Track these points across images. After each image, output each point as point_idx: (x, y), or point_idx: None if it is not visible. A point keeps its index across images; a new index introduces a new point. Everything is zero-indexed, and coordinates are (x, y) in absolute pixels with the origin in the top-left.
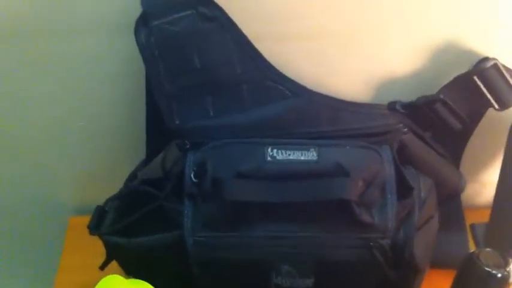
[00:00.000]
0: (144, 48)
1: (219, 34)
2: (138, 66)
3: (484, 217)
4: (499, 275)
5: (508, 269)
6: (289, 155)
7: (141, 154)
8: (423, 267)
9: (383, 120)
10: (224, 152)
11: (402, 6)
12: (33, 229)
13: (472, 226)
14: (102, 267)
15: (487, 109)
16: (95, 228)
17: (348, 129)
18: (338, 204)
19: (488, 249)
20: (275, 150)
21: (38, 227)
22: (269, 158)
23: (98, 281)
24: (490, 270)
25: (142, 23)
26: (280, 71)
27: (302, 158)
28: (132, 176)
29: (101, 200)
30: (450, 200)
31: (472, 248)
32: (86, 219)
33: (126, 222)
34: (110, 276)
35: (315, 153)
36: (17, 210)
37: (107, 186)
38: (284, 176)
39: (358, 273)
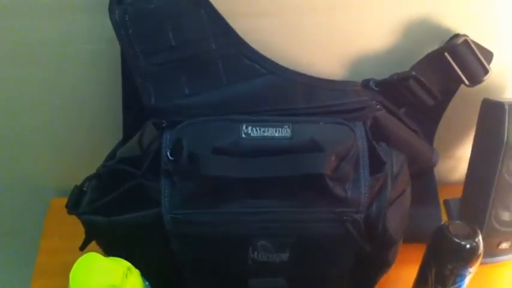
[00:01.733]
0: (118, 27)
1: (193, 11)
2: (114, 44)
3: (458, 193)
4: (468, 246)
5: (476, 240)
6: (264, 131)
7: (120, 134)
8: (397, 240)
9: (357, 97)
10: (200, 129)
11: None
12: (13, 210)
13: (446, 201)
14: (82, 248)
15: (459, 85)
16: (73, 207)
17: (322, 106)
18: (312, 179)
19: (457, 221)
20: (250, 128)
21: (18, 208)
22: (244, 135)
23: None
24: (459, 241)
25: (116, 1)
26: (255, 48)
27: (276, 134)
28: (111, 156)
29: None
30: (424, 175)
31: None
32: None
33: (104, 201)
34: (88, 253)
35: (288, 130)
36: None
37: (88, 167)
38: (259, 152)
39: (332, 247)
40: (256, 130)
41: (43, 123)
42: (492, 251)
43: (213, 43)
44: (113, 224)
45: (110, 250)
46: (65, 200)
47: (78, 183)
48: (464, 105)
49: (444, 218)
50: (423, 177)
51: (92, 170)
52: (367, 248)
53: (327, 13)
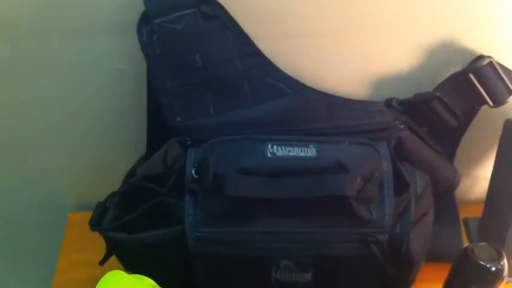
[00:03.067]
0: (146, 47)
1: (220, 32)
2: (140, 64)
3: (477, 212)
4: (493, 269)
5: (501, 263)
6: (289, 151)
7: (140, 151)
8: (419, 261)
9: (380, 117)
10: (225, 148)
11: (399, 5)
12: (32, 225)
13: (465, 220)
14: (102, 263)
15: (481, 106)
16: (96, 224)
17: (346, 126)
18: (337, 200)
19: (482, 243)
20: (275, 147)
21: (37, 223)
22: (269, 155)
23: (97, 278)
24: (484, 264)
25: (145, 22)
26: (280, 68)
27: (302, 154)
28: (131, 173)
29: (100, 196)
30: (445, 195)
31: (466, 243)
32: (85, 215)
33: (127, 219)
34: (113, 271)
35: (314, 150)
36: (16, 206)
37: (106, 182)
38: (284, 172)
39: (355, 268)
40: (281, 149)
41: (65, 137)
42: None
43: (239, 64)
44: (135, 241)
45: (131, 267)
46: (82, 215)
47: (96, 197)
48: (484, 125)
49: (463, 237)
50: (444, 197)
51: (111, 184)
52: (390, 269)
53: (352, 34)
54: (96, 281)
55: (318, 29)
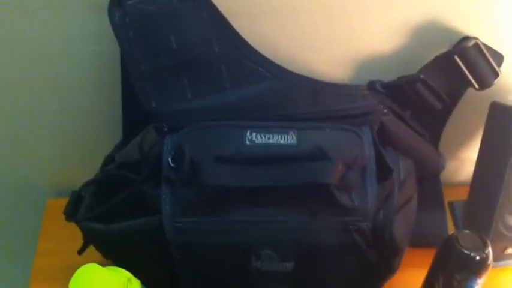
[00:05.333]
0: (118, 29)
1: (195, 12)
2: (113, 46)
3: (463, 195)
4: (478, 257)
5: (486, 251)
6: (269, 138)
7: (119, 136)
8: (403, 248)
9: (363, 101)
10: (202, 135)
11: None
12: (9, 212)
13: (451, 204)
14: (80, 252)
15: (467, 88)
16: (71, 214)
17: (328, 110)
18: (318, 187)
19: (467, 231)
20: (254, 134)
21: (14, 209)
22: (248, 142)
23: (76, 265)
24: (469, 252)
25: (117, 3)
26: (259, 50)
27: (282, 141)
28: (109, 159)
29: (79, 182)
30: (430, 179)
31: (451, 226)
32: (64, 202)
33: (103, 208)
34: (87, 265)
35: (294, 137)
36: None
37: (86, 167)
38: (264, 160)
39: (338, 256)
40: (260, 137)
41: (40, 122)
42: (498, 256)
43: (216, 46)
44: (111, 232)
45: (108, 256)
46: (62, 201)
47: (76, 183)
48: (471, 107)
49: (448, 220)
50: (428, 180)
51: (89, 171)
52: (373, 257)
53: (334, 13)
54: (76, 269)
55: (298, 8)
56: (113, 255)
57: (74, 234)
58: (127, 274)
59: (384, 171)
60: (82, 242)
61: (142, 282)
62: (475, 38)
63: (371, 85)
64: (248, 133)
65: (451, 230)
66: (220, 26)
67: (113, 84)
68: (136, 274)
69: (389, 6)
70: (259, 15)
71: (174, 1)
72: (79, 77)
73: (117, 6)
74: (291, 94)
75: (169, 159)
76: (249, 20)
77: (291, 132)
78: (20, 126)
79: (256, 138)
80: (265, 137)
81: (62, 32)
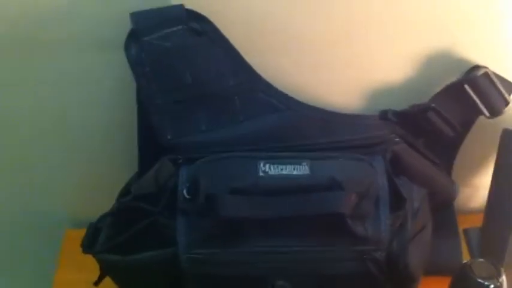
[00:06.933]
0: (135, 65)
1: (210, 48)
2: (130, 81)
3: (477, 221)
4: (492, 286)
5: (500, 280)
6: (282, 169)
7: (135, 168)
8: (417, 277)
9: (375, 131)
10: (217, 167)
11: (393, 15)
12: (27, 243)
13: (465, 231)
14: (97, 283)
15: (478, 116)
16: (88, 246)
17: (340, 141)
18: (331, 217)
19: (481, 259)
20: (268, 165)
21: (33, 240)
22: (261, 173)
23: None
24: (483, 281)
25: (133, 39)
26: (272, 83)
27: (295, 172)
28: (125, 191)
29: (97, 213)
30: (444, 207)
31: (465, 253)
32: (81, 233)
33: (120, 240)
34: None
35: (307, 167)
36: (12, 223)
37: (103, 198)
38: (278, 191)
39: (352, 286)
40: (274, 168)
41: (58, 156)
42: None
43: (230, 80)
44: (127, 264)
45: (124, 286)
46: (79, 232)
47: (93, 214)
48: (482, 134)
49: (463, 247)
50: (442, 208)
51: (106, 202)
52: (387, 287)
53: (345, 46)
54: None
55: (310, 41)
56: (129, 286)
57: (91, 266)
58: None
59: (397, 201)
60: (99, 273)
61: None
62: (484, 67)
63: (383, 114)
64: (262, 164)
65: (466, 257)
66: (233, 61)
67: (130, 118)
68: None
69: (400, 37)
70: (271, 49)
71: (189, 38)
72: (98, 111)
73: (134, 42)
74: (303, 125)
75: (185, 191)
76: (261, 54)
77: (304, 163)
78: (35, 157)
79: (270, 169)
80: (278, 168)
81: (80, 69)
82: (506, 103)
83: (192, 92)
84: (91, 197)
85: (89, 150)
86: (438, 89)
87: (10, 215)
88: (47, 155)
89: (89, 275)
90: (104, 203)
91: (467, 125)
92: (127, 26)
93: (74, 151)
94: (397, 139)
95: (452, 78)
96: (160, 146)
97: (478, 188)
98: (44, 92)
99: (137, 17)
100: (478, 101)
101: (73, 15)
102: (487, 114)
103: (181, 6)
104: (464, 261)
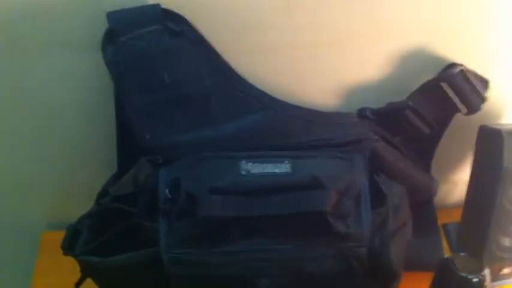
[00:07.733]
0: (111, 65)
1: (187, 48)
2: (107, 82)
3: (456, 216)
4: (475, 280)
5: (483, 274)
6: (264, 168)
7: (114, 168)
8: (399, 273)
9: (354, 129)
10: (197, 167)
11: (370, 13)
12: (4, 247)
13: (445, 226)
14: (77, 285)
15: (455, 113)
16: (68, 248)
17: (320, 139)
18: (313, 216)
19: (462, 254)
20: (250, 164)
21: (8, 243)
22: (243, 172)
23: None
24: (465, 275)
25: (109, 40)
26: (252, 83)
27: (276, 170)
28: (103, 192)
29: (73, 215)
30: (423, 203)
31: (446, 248)
32: (59, 235)
33: (100, 241)
34: None
35: (289, 166)
36: None
37: (80, 200)
38: (259, 190)
39: (336, 283)
40: (256, 166)
41: (34, 156)
42: (494, 276)
43: (208, 79)
44: (109, 265)
45: (106, 287)
46: (56, 234)
47: (70, 216)
48: (460, 131)
49: (443, 242)
50: (422, 204)
51: (83, 203)
52: (370, 283)
53: (322, 46)
54: None
55: (287, 41)
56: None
57: (70, 268)
58: None
59: (378, 198)
60: (79, 275)
61: None
62: (460, 65)
63: (361, 112)
64: (243, 163)
65: (446, 251)
66: (212, 61)
67: (107, 119)
68: None
69: (376, 36)
70: (250, 49)
71: (166, 38)
72: (73, 111)
73: (110, 42)
74: (282, 124)
75: (167, 191)
76: (240, 54)
77: (285, 161)
78: (14, 159)
79: (252, 168)
80: (260, 166)
81: (57, 69)
82: (483, 100)
83: (169, 93)
84: (68, 199)
85: (67, 151)
86: (415, 87)
87: None
88: (23, 156)
89: (69, 277)
90: (81, 204)
91: (444, 122)
92: (103, 26)
93: (51, 152)
94: (375, 137)
95: (429, 76)
96: (138, 146)
97: (456, 184)
98: (22, 93)
99: (113, 17)
100: (454, 99)
101: (50, 14)
102: (464, 111)
103: (157, 5)
104: (445, 256)
